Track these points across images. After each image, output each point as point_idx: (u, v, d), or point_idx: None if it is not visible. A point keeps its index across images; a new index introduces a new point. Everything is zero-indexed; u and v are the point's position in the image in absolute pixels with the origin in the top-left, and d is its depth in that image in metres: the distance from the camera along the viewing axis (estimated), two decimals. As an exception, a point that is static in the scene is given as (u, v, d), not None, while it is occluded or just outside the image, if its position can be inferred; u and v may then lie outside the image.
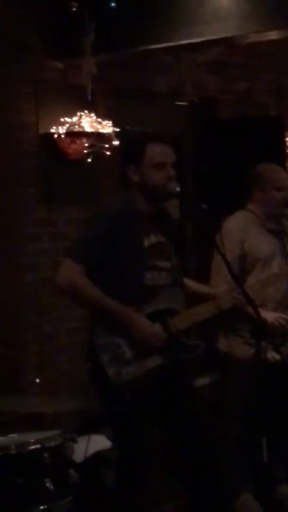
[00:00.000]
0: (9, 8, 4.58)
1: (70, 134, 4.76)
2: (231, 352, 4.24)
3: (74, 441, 3.33)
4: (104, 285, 3.44)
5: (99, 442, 4.06)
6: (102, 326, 3.45)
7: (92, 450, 3.81)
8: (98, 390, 3.51)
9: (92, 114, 4.81)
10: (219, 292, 3.73)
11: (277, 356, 4.03)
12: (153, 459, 3.62)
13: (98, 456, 4.00)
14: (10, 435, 3.44)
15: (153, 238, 3.52)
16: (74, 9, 4.55)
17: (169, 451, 3.83)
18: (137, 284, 3.45)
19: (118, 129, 4.87)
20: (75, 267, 3.40)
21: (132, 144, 3.60)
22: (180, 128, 5.60)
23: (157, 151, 3.48)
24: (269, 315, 4.08)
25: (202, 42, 4.48)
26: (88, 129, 4.76)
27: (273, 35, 4.46)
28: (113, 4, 4.52)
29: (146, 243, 3.49)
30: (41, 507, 3.12)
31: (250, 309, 3.57)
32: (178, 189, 3.50)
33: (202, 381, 4.97)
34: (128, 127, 4.96)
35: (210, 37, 4.38)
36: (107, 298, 3.40)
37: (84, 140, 4.76)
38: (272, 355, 4.05)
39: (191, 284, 3.76)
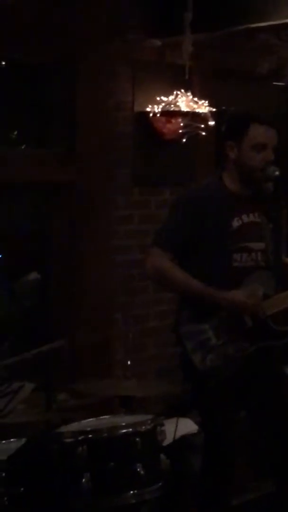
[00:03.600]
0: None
1: (165, 113, 4.69)
2: None
3: (162, 425, 3.28)
4: (192, 270, 3.41)
5: (185, 426, 4.01)
6: (188, 312, 3.46)
7: (178, 434, 3.72)
8: (186, 375, 3.48)
9: (189, 94, 4.72)
10: None
11: None
12: (238, 446, 3.55)
13: (184, 440, 3.96)
14: (101, 417, 3.41)
15: (245, 218, 3.45)
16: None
17: (256, 439, 3.78)
18: (225, 267, 3.40)
19: (214, 109, 4.79)
20: (161, 254, 3.44)
21: (236, 121, 3.52)
22: (278, 110, 5.48)
23: (259, 132, 3.41)
24: None
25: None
26: (184, 108, 4.67)
27: None
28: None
29: (235, 224, 3.42)
30: (132, 492, 3.08)
31: None
32: (277, 173, 3.40)
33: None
34: (224, 107, 4.86)
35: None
36: (194, 281, 3.37)
37: (180, 119, 4.68)
38: None
39: None
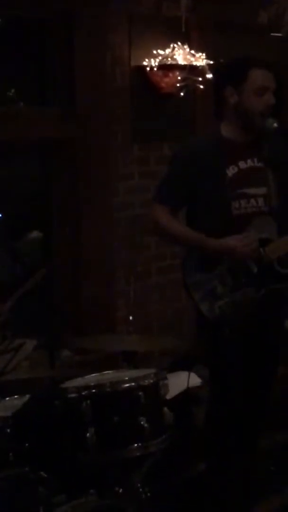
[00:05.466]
0: None
1: (162, 67, 4.64)
2: None
3: (166, 378, 3.26)
4: (194, 222, 3.45)
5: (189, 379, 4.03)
6: (193, 262, 3.47)
7: (182, 387, 3.80)
8: (199, 327, 3.50)
9: (186, 46, 4.66)
10: None
11: None
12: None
13: (188, 393, 3.95)
14: (104, 372, 3.38)
15: (242, 165, 3.43)
16: None
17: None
18: (225, 216, 3.41)
19: (212, 62, 4.73)
20: (160, 209, 3.49)
21: (236, 65, 3.48)
22: (277, 61, 5.39)
23: (260, 75, 3.40)
24: None
25: None
26: (181, 61, 4.63)
27: None
28: None
29: (230, 171, 3.41)
30: (136, 445, 3.04)
31: None
32: (275, 125, 3.38)
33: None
34: (222, 60, 4.79)
35: None
36: (191, 232, 3.41)
37: (177, 73, 4.64)
38: None
39: None
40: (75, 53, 4.55)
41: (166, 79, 4.65)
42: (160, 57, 4.65)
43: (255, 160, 3.46)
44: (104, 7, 4.56)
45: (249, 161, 3.46)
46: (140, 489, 3.16)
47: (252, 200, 3.43)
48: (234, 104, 3.43)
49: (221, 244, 3.36)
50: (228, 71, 3.51)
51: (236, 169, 3.44)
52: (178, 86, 4.68)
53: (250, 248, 3.35)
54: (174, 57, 4.62)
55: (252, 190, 3.44)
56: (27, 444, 3.08)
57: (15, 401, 3.23)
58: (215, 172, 3.42)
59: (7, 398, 3.21)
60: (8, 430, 3.05)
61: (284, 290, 3.46)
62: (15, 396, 3.26)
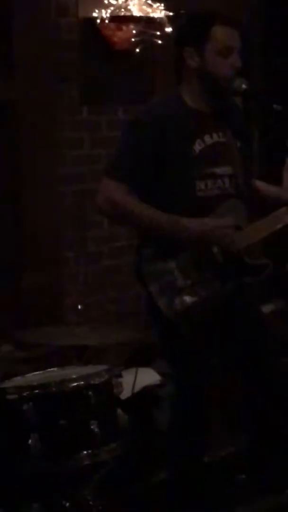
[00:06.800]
0: None
1: (115, 18, 4.73)
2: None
3: (119, 376, 3.37)
4: (151, 203, 3.45)
5: (147, 377, 4.16)
6: (151, 249, 3.50)
7: (139, 385, 3.85)
8: (153, 321, 3.56)
9: (142, -5, 4.77)
10: None
11: None
12: (212, 398, 3.67)
13: (145, 392, 4.08)
14: (49, 370, 3.48)
15: (208, 140, 3.50)
16: None
17: (231, 388, 3.87)
18: (188, 198, 3.45)
19: (171, 14, 4.79)
20: (116, 186, 3.44)
21: (195, 22, 3.53)
22: (245, 16, 5.44)
23: (225, 34, 3.43)
24: None
25: None
26: (136, 13, 4.74)
27: None
28: None
29: (198, 146, 3.47)
30: (86, 452, 3.13)
31: None
32: (244, 86, 3.46)
33: (266, 308, 4.96)
34: (183, 11, 4.83)
35: None
36: (157, 211, 3.41)
37: (132, 26, 4.74)
38: None
39: (263, 186, 3.74)
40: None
41: (119, 33, 4.76)
42: (112, 8, 4.74)
43: (221, 133, 3.53)
44: None
45: (214, 135, 3.51)
46: (91, 503, 3.24)
47: (219, 181, 3.50)
48: (195, 68, 3.47)
49: (201, 224, 3.37)
50: (187, 28, 3.55)
51: (202, 145, 3.48)
52: (133, 41, 4.80)
53: (226, 233, 3.41)
54: (128, 7, 4.73)
55: (218, 170, 3.50)
56: None
57: None
58: (181, 147, 3.44)
59: None
60: None
61: (253, 284, 3.56)
62: None
